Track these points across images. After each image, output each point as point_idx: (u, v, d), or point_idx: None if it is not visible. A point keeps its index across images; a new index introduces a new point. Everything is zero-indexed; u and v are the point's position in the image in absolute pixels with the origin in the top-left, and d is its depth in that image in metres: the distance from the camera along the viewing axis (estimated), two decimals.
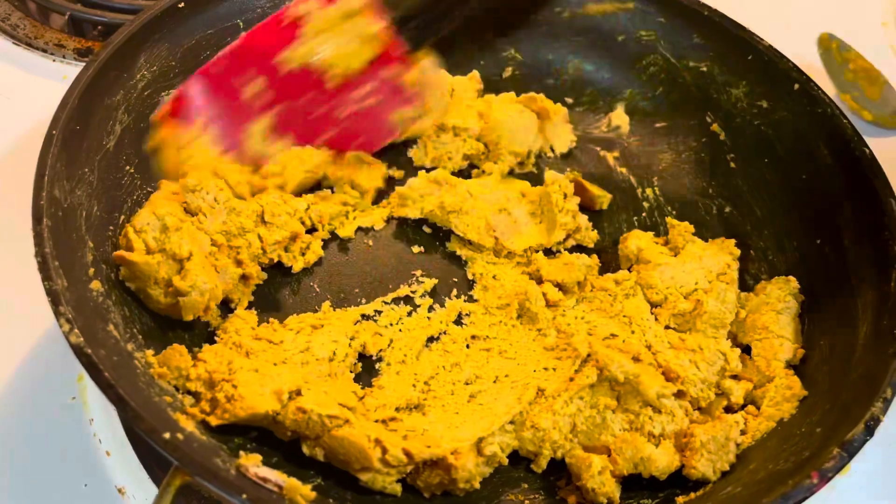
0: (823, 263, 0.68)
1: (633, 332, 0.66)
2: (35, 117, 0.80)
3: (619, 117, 0.84)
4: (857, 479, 0.67)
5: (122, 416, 0.49)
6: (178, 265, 0.61)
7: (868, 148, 0.69)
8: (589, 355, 0.62)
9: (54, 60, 0.89)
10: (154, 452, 0.63)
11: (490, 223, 0.72)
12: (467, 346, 0.66)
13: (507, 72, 0.86)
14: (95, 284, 0.57)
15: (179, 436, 0.48)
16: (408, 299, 0.69)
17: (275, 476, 0.50)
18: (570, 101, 0.85)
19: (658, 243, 0.73)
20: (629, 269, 0.71)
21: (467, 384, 0.63)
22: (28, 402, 0.65)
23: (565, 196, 0.73)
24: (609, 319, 0.67)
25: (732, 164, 0.78)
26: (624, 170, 0.81)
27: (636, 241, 0.72)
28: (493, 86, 0.85)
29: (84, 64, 0.65)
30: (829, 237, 0.69)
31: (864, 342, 0.60)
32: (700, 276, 0.69)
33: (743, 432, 0.60)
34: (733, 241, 0.72)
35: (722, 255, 0.71)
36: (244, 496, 0.46)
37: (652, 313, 0.68)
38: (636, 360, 0.62)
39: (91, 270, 0.58)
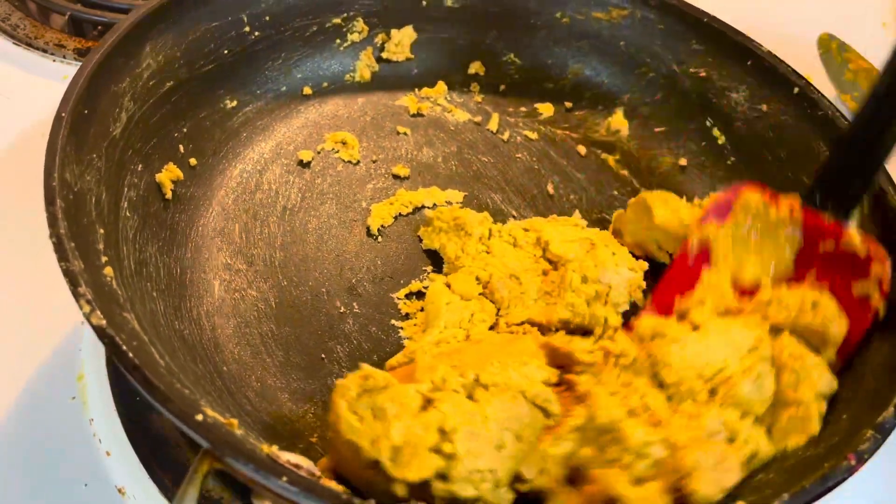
0: None
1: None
2: (35, 117, 0.79)
3: (619, 121, 0.84)
4: (859, 481, 0.66)
5: (149, 399, 0.47)
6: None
7: None
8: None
9: (54, 60, 0.88)
10: (155, 452, 0.61)
11: (493, 285, 0.67)
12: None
13: (507, 76, 0.86)
14: (108, 270, 0.55)
15: (209, 419, 0.46)
16: (420, 294, 0.68)
17: (306, 463, 0.48)
18: (569, 104, 0.85)
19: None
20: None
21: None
22: (28, 402, 0.63)
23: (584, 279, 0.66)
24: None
25: (733, 168, 0.79)
26: (626, 172, 0.81)
27: (649, 321, 0.61)
28: (492, 90, 0.86)
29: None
30: None
31: (881, 331, 0.61)
32: (729, 352, 0.57)
33: (731, 440, 0.54)
34: (755, 313, 0.62)
35: (749, 328, 0.59)
36: (284, 479, 0.44)
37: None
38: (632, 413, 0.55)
39: (104, 257, 0.55)
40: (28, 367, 0.64)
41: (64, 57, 0.88)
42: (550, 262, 0.68)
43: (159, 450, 0.61)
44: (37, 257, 0.63)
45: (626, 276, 0.67)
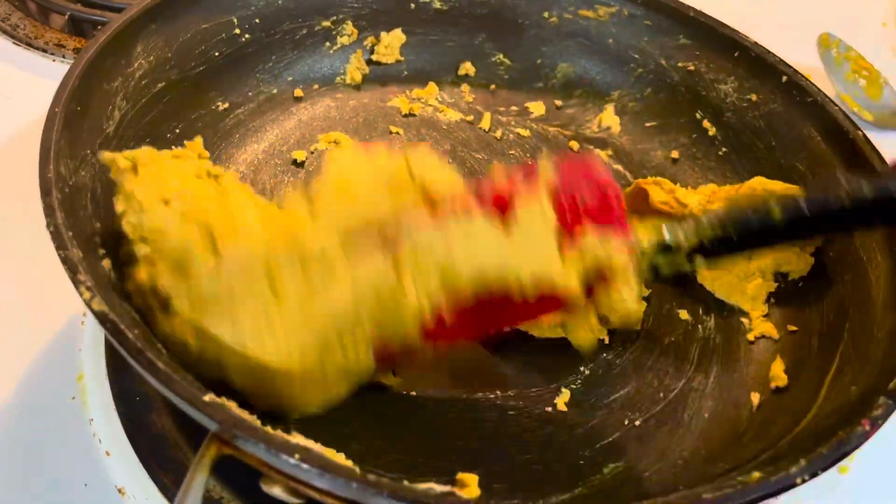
0: (832, 244, 0.69)
1: None
2: (35, 117, 0.78)
3: (609, 118, 0.85)
4: (858, 480, 0.66)
5: (154, 382, 0.45)
6: None
7: (861, 130, 0.71)
8: None
9: (54, 60, 0.88)
10: (155, 452, 0.60)
11: None
12: None
13: (497, 76, 0.86)
14: (107, 263, 0.54)
15: (218, 400, 0.45)
16: None
17: (315, 445, 0.47)
18: (559, 102, 0.86)
19: None
20: None
21: None
22: (28, 402, 0.62)
23: None
24: None
25: (725, 158, 0.80)
26: (619, 167, 0.81)
27: None
28: (482, 90, 0.86)
29: None
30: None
31: (884, 307, 0.61)
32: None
33: None
34: None
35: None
36: (297, 456, 0.43)
37: None
38: None
39: (101, 250, 0.54)
40: (28, 367, 0.64)
41: (64, 57, 0.88)
42: None
43: (159, 450, 0.60)
44: (36, 257, 0.63)
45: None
